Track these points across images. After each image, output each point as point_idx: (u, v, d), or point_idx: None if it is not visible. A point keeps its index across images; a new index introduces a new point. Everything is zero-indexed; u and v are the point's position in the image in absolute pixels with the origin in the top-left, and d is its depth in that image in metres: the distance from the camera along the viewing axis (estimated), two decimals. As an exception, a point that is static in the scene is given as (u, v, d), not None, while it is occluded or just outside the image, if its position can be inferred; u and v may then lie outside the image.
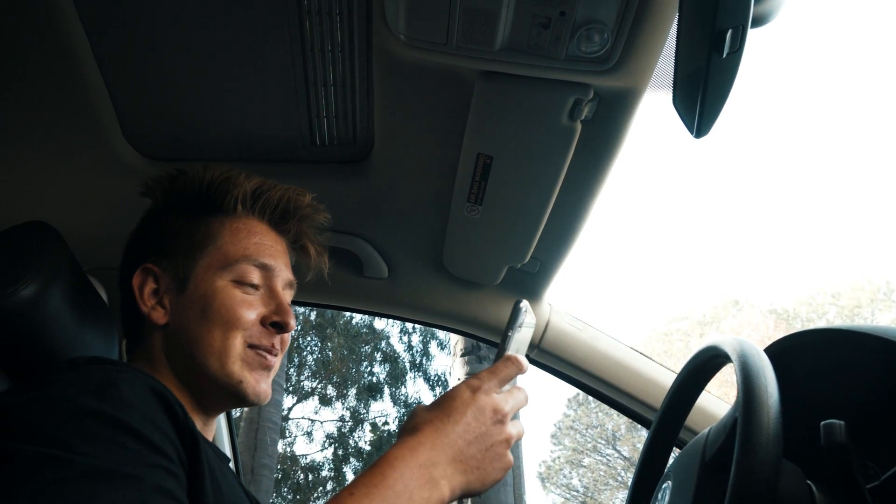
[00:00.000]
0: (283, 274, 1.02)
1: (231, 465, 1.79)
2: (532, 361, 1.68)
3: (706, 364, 1.10)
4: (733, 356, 0.92)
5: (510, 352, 0.83)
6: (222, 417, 1.87)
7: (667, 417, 1.22)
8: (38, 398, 0.68)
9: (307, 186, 1.19)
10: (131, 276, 0.97)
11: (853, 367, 1.09)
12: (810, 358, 1.14)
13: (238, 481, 0.95)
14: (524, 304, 0.87)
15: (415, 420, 0.76)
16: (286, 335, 1.01)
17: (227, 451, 1.80)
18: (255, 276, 0.98)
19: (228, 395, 0.94)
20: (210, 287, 0.94)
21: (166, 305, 0.95)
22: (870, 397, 1.07)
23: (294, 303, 1.52)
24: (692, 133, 0.89)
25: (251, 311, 0.95)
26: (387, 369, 12.94)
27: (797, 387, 1.05)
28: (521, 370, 0.81)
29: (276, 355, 0.99)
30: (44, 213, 1.10)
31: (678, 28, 0.83)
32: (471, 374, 4.75)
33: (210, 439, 0.97)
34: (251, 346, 0.95)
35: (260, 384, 0.95)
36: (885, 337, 0.99)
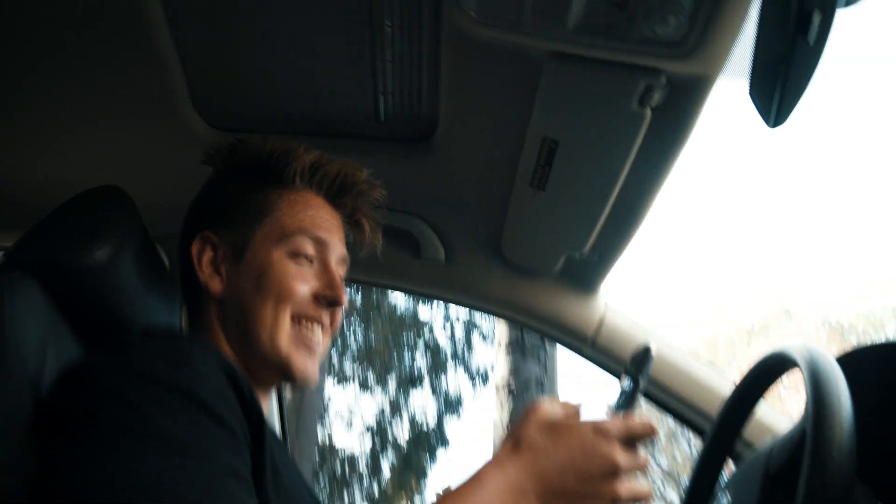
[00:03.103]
0: (338, 249, 1.03)
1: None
2: (587, 357, 1.67)
3: (771, 370, 1.06)
4: (802, 364, 0.88)
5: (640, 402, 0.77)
6: (273, 397, 1.90)
7: (724, 425, 1.19)
8: (119, 364, 0.70)
9: (369, 163, 1.19)
10: (190, 244, 0.99)
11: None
12: (883, 371, 1.09)
13: (292, 461, 0.96)
14: (654, 347, 0.82)
15: (522, 434, 0.72)
16: (337, 312, 1.01)
17: (277, 431, 1.83)
18: (310, 249, 0.98)
19: (277, 371, 0.95)
20: (266, 258, 0.95)
21: (223, 274, 0.97)
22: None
23: (349, 280, 1.53)
24: (768, 123, 0.87)
25: (304, 284, 0.96)
26: (428, 360, 12.95)
27: (868, 401, 1.01)
28: (654, 435, 0.76)
29: (323, 328, 0.99)
30: (113, 177, 1.12)
31: (761, 10, 0.81)
32: (515, 370, 4.71)
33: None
34: (298, 318, 0.95)
35: (307, 364, 0.96)
36: None
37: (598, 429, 0.72)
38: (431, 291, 1.66)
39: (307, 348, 0.96)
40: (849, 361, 1.09)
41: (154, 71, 1.19)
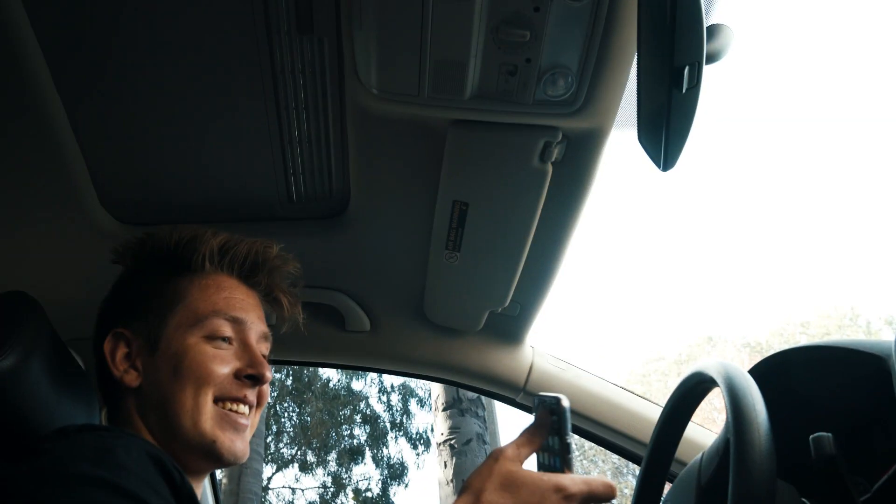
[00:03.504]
0: (256, 326, 1.02)
1: None
2: (519, 406, 1.69)
3: (693, 390, 1.12)
4: (719, 379, 0.94)
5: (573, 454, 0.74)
6: (207, 483, 1.83)
7: (658, 449, 1.23)
8: (32, 469, 0.67)
9: (285, 243, 1.19)
10: (103, 342, 0.97)
11: (837, 381, 1.12)
12: (796, 375, 1.17)
13: None
14: (566, 400, 0.77)
15: (481, 486, 0.69)
16: (264, 389, 1.00)
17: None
18: (227, 330, 0.98)
19: (203, 455, 0.93)
20: (181, 345, 0.94)
21: (139, 368, 0.95)
22: (855, 410, 1.10)
23: (275, 361, 1.52)
24: (659, 167, 0.93)
25: (224, 366, 0.95)
26: (367, 431, 12.71)
27: (785, 404, 1.07)
28: (612, 498, 0.72)
29: (249, 406, 0.98)
30: (21, 282, 1.09)
31: (638, 68, 0.88)
32: (454, 428, 4.69)
33: None
34: (221, 400, 0.94)
35: (235, 443, 0.94)
36: (866, 350, 1.02)
37: (559, 486, 0.69)
38: (360, 363, 1.65)
39: (233, 428, 0.95)
40: (763, 371, 1.15)
41: (58, 173, 1.18)
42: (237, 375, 0.96)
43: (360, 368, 1.66)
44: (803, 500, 0.95)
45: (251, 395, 0.98)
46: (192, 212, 1.32)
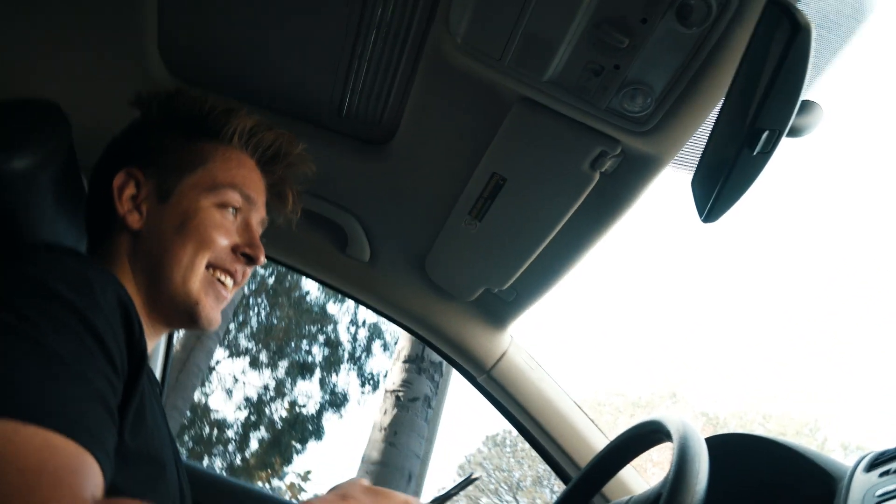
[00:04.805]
0: (260, 210, 1.06)
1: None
2: (478, 386, 1.70)
3: (647, 436, 1.13)
4: (675, 436, 0.95)
5: None
6: (163, 343, 1.86)
7: (591, 476, 1.24)
8: (16, 272, 0.68)
9: (320, 152, 1.19)
10: (110, 176, 0.97)
11: (783, 480, 1.13)
12: (747, 460, 1.18)
13: (161, 408, 0.94)
14: (478, 476, 1.00)
15: (348, 489, 0.76)
16: (249, 269, 1.03)
17: (157, 373, 1.78)
18: (238, 204, 1.01)
19: (183, 313, 0.96)
20: (193, 205, 0.96)
21: (142, 212, 0.96)
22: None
23: (270, 258, 1.52)
24: (701, 216, 0.92)
25: (226, 237, 0.98)
26: (325, 354, 12.84)
27: (727, 482, 1.08)
28: None
29: (235, 283, 1.01)
30: (55, 94, 1.09)
31: (719, 114, 0.87)
32: (407, 382, 4.75)
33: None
34: (214, 267, 0.97)
35: (214, 310, 0.98)
36: (822, 466, 1.03)
37: (406, 501, 0.77)
38: (346, 289, 1.65)
39: (216, 296, 0.98)
40: (714, 443, 1.16)
41: (129, 3, 1.17)
42: (234, 249, 0.99)
43: (345, 294, 1.66)
44: None
45: (241, 271, 1.01)
46: (243, 90, 1.31)
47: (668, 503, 0.83)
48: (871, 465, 0.99)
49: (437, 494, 0.95)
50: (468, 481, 1.00)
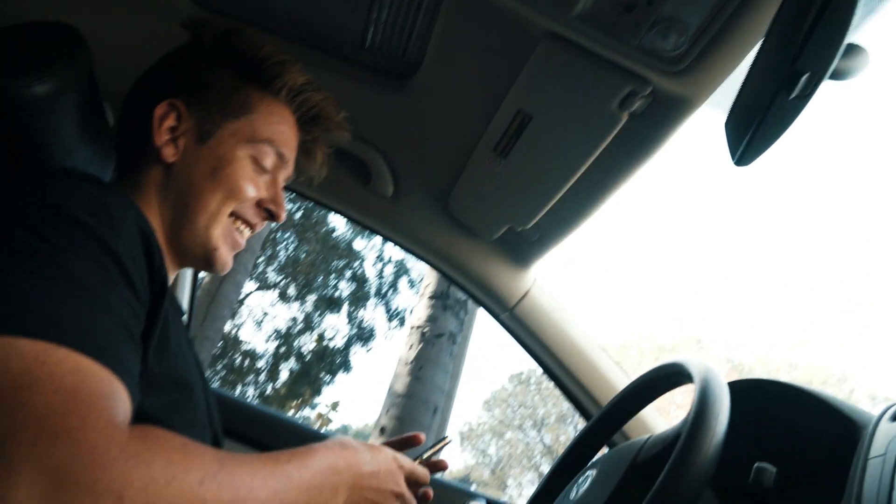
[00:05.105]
0: (290, 169, 1.06)
1: (184, 318, 1.81)
2: (501, 323, 1.71)
3: (668, 378, 1.12)
4: (697, 379, 0.94)
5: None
6: (189, 275, 1.88)
7: (611, 414, 1.25)
8: (36, 197, 0.67)
9: (343, 84, 1.16)
10: (150, 104, 0.96)
11: (806, 427, 1.12)
12: (769, 405, 1.17)
13: (186, 335, 0.96)
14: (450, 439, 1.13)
15: (347, 440, 0.84)
16: (266, 222, 1.05)
17: (185, 304, 1.81)
18: (270, 162, 1.00)
19: (199, 255, 0.97)
20: (231, 153, 0.96)
21: (179, 147, 0.95)
22: (809, 459, 1.10)
23: (290, 188, 1.51)
24: (733, 160, 0.89)
25: (255, 190, 0.98)
26: (352, 288, 13.01)
27: (747, 424, 1.08)
28: (426, 483, 0.97)
29: (252, 232, 1.03)
30: (73, 18, 1.06)
31: (757, 55, 0.82)
32: (432, 318, 4.80)
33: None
34: (236, 216, 0.98)
35: (229, 258, 1.00)
36: (846, 413, 1.02)
37: (397, 459, 0.91)
38: (369, 223, 1.64)
39: (233, 244, 1.00)
40: (737, 387, 1.16)
41: None
42: (259, 204, 1.01)
43: (368, 228, 1.66)
44: None
45: (260, 224, 1.03)
46: (265, 18, 1.28)
47: (687, 443, 0.83)
48: None
49: (413, 454, 1.03)
50: (442, 444, 1.08)
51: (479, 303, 1.70)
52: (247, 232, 1.02)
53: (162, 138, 0.94)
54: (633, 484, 0.99)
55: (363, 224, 1.65)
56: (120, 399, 0.56)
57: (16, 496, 0.45)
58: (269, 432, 1.63)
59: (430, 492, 1.01)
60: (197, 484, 0.54)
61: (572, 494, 1.10)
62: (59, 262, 0.60)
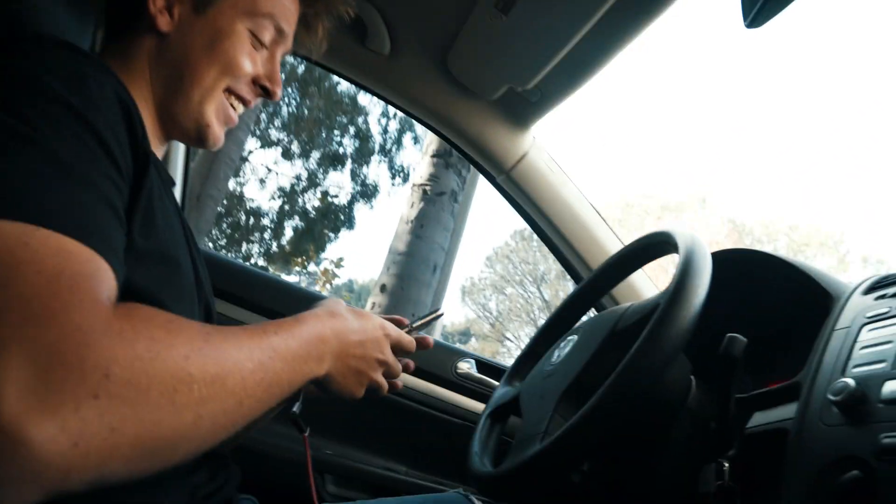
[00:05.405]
0: (288, 44, 1.02)
1: (178, 188, 1.79)
2: (497, 186, 1.70)
3: (655, 246, 1.13)
4: (681, 249, 0.95)
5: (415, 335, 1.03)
6: (181, 144, 1.85)
7: (600, 279, 1.27)
8: (5, 68, 0.64)
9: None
10: None
11: (782, 296, 1.14)
12: (750, 274, 1.19)
13: (176, 208, 0.93)
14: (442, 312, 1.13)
15: (335, 307, 0.85)
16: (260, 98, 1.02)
17: (179, 173, 1.79)
18: (268, 37, 0.96)
19: (191, 130, 0.94)
20: (229, 26, 0.91)
21: (174, 15, 0.90)
22: (783, 326, 1.14)
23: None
24: (745, 21, 0.86)
25: (251, 66, 0.95)
26: (356, 145, 12.90)
27: (724, 293, 1.10)
28: (412, 351, 0.99)
29: (245, 108, 1.00)
30: None
31: None
32: (434, 177, 4.81)
33: (160, 157, 0.95)
34: (230, 92, 0.95)
35: (221, 133, 0.97)
36: (822, 283, 1.04)
37: (383, 326, 0.92)
38: (366, 82, 1.59)
39: (226, 121, 0.96)
40: (720, 258, 1.17)
41: None
42: (255, 80, 0.97)
43: (364, 88, 1.61)
44: (692, 377, 1.01)
45: (254, 101, 0.99)
46: None
47: (665, 313, 0.85)
48: (871, 289, 1.00)
49: (404, 326, 1.03)
50: (434, 315, 1.08)
51: (476, 165, 1.68)
52: (240, 108, 0.98)
53: (157, 5, 0.89)
54: (612, 349, 1.02)
55: (359, 83, 1.60)
56: (104, 278, 0.56)
57: (5, 377, 0.45)
58: (263, 294, 1.65)
59: (412, 364, 1.03)
60: (182, 359, 0.54)
61: (554, 357, 1.13)
62: (36, 140, 0.58)
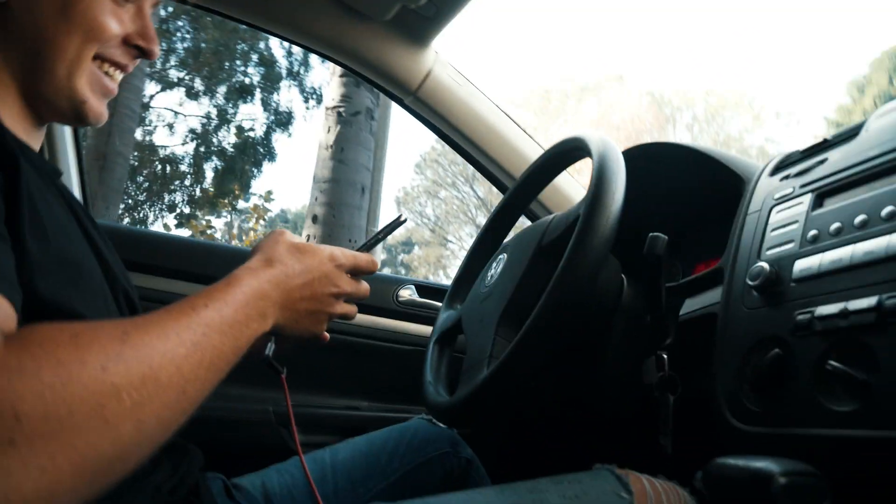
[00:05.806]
0: None
1: (74, 172, 1.67)
2: (407, 108, 1.66)
3: (569, 153, 1.13)
4: (595, 155, 0.95)
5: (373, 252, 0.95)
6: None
7: (522, 188, 1.27)
8: None
9: None
10: None
11: (696, 183, 1.17)
12: (663, 167, 1.20)
13: (67, 201, 0.82)
14: (406, 218, 1.01)
15: (272, 252, 0.79)
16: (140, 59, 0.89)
17: (70, 156, 1.67)
18: None
19: (68, 111, 0.83)
20: None
21: None
22: (701, 212, 1.17)
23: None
24: None
25: (118, 24, 0.82)
26: (261, 72, 12.41)
27: (643, 190, 1.11)
28: (373, 272, 0.90)
29: (123, 74, 0.88)
30: None
31: None
32: (347, 97, 4.68)
33: (37, 148, 0.85)
34: (102, 59, 0.83)
35: (103, 106, 0.85)
36: (733, 168, 1.07)
37: (332, 256, 0.84)
38: (249, 18, 1.49)
39: (104, 92, 0.85)
40: (632, 155, 1.19)
41: None
42: (127, 41, 0.85)
43: (248, 24, 1.52)
44: (623, 276, 1.04)
45: (133, 64, 0.87)
46: None
47: (586, 223, 0.86)
48: (776, 169, 1.02)
49: (366, 239, 0.96)
50: (396, 223, 0.99)
51: (381, 90, 1.62)
52: (118, 75, 0.86)
53: None
54: (541, 265, 1.03)
55: (243, 21, 1.51)
56: None
57: None
58: (190, 260, 1.58)
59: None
60: (100, 371, 0.50)
61: (487, 279, 1.14)
62: None
